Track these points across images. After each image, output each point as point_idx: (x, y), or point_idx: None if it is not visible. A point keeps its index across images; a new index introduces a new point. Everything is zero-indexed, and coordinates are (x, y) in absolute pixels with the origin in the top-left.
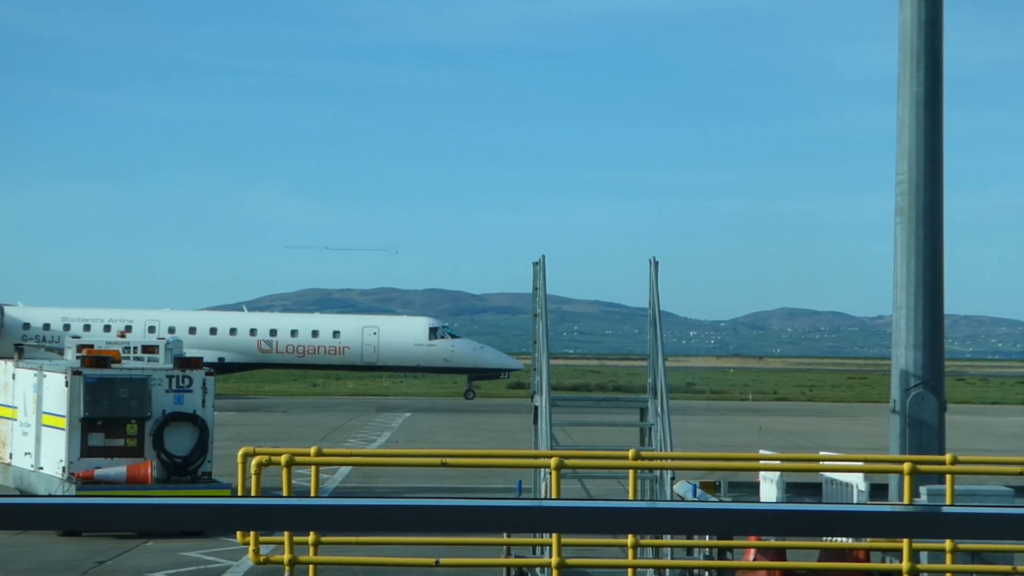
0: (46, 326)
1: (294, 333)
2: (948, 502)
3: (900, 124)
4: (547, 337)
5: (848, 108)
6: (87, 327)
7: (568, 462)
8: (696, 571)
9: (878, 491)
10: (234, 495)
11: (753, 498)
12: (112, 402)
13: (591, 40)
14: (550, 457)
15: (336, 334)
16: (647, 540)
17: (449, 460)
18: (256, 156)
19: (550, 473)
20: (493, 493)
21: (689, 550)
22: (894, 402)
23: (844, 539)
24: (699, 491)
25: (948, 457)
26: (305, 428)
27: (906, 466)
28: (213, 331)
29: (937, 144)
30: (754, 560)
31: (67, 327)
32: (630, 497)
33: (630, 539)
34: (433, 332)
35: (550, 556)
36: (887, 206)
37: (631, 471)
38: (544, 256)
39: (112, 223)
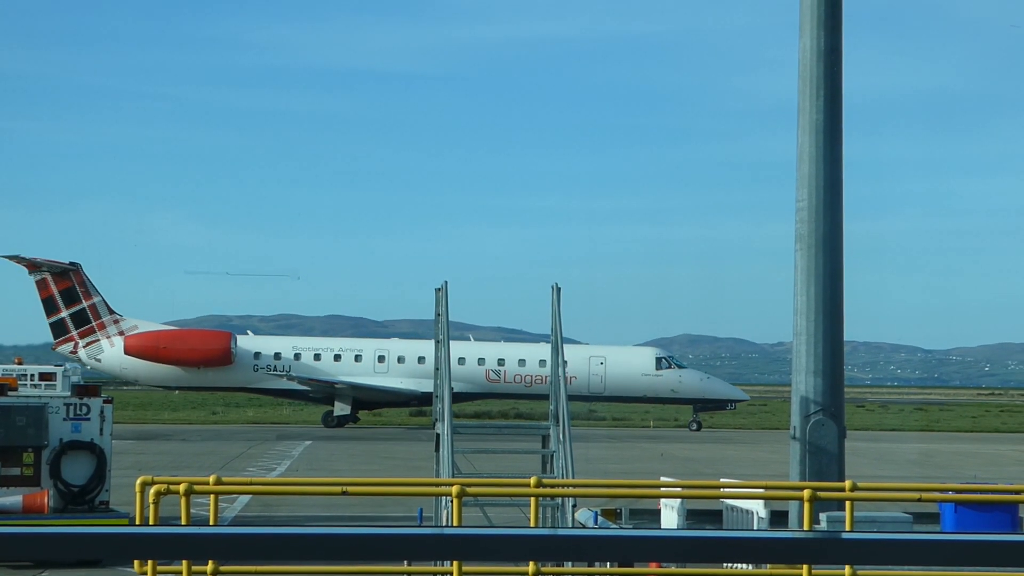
0: (276, 355)
1: (522, 363)
2: (847, 528)
3: (800, 152)
4: (449, 364)
5: (749, 135)
6: (317, 356)
7: (470, 490)
8: None
9: (778, 518)
10: (132, 524)
11: (654, 525)
12: (8, 430)
13: (494, 66)
14: (451, 485)
15: (564, 364)
16: (548, 568)
17: (349, 488)
18: (157, 182)
19: (451, 501)
20: (394, 522)
21: None
22: (794, 429)
23: (744, 566)
24: (600, 518)
25: (847, 484)
26: (204, 456)
27: (806, 493)
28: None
29: (836, 171)
30: None
31: (297, 356)
32: (531, 525)
33: (531, 567)
34: (660, 362)
35: None
36: (788, 233)
37: (532, 499)
38: (446, 282)
39: (12, 248)
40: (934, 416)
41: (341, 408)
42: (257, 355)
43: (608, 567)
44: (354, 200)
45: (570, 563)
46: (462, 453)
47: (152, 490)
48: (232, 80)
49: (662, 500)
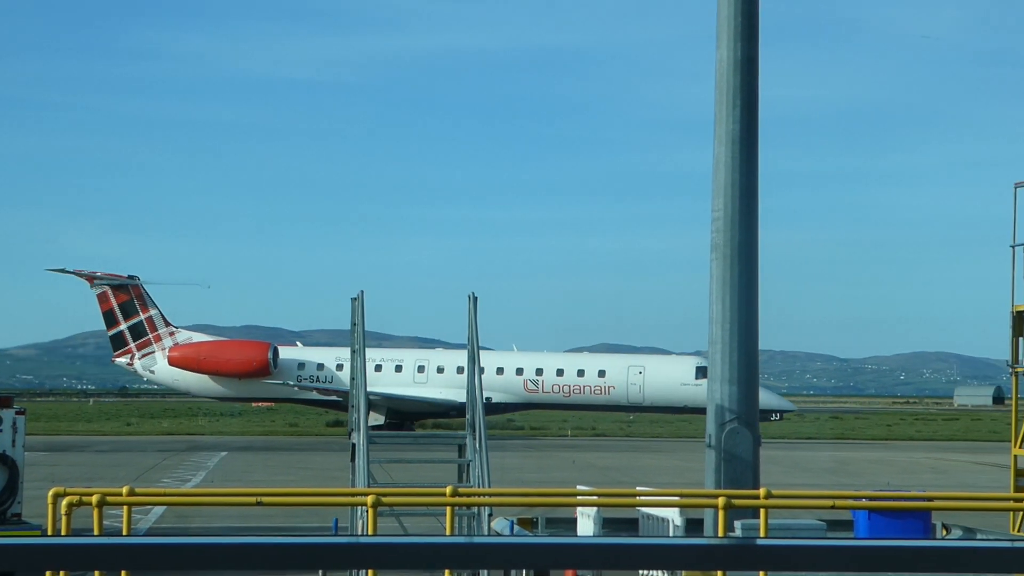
0: (319, 366)
1: (560, 372)
2: (762, 536)
3: (716, 161)
4: (364, 374)
5: (666, 146)
6: (376, 367)
7: (385, 499)
8: None
9: (694, 525)
10: (44, 536)
11: (570, 534)
12: None
13: (411, 76)
14: (367, 495)
15: (602, 373)
16: None
17: (264, 499)
18: (69, 192)
19: (367, 511)
20: (309, 532)
21: None
22: (709, 437)
23: (660, 573)
24: (516, 527)
25: (762, 491)
26: (118, 468)
27: (720, 500)
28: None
29: (752, 181)
30: None
31: (340, 367)
32: (447, 534)
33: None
34: (701, 371)
35: None
36: (704, 242)
37: (448, 508)
38: (363, 292)
39: None
40: (849, 424)
41: (375, 419)
42: (301, 365)
43: (524, 575)
44: (268, 209)
45: (486, 572)
46: (378, 463)
47: (64, 501)
48: (145, 90)
49: (578, 509)
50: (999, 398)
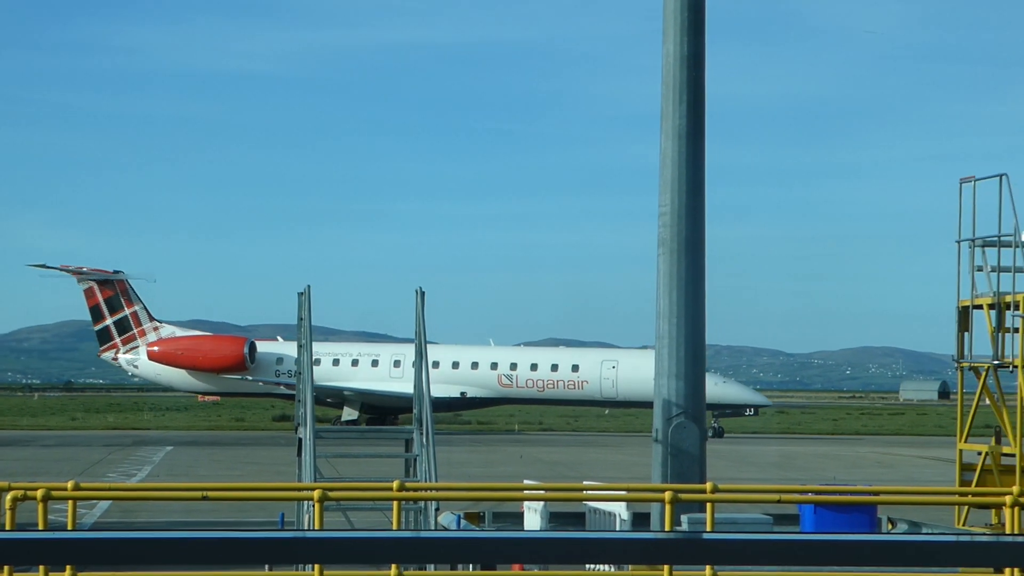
0: (297, 360)
1: (534, 367)
2: (708, 530)
3: (663, 157)
4: (311, 368)
5: (615, 141)
6: (336, 361)
7: (332, 494)
8: None
9: (640, 519)
10: None
11: (517, 528)
12: None
13: (360, 70)
14: (313, 489)
15: (575, 368)
16: (410, 572)
17: (210, 493)
18: (17, 185)
19: (314, 505)
20: (256, 527)
21: None
22: (656, 431)
23: (606, 567)
24: (463, 521)
25: (708, 486)
26: (64, 462)
27: (667, 495)
28: (455, 365)
29: (699, 176)
30: None
31: (317, 362)
32: (394, 528)
33: (393, 570)
34: None
35: None
36: (651, 237)
37: (395, 502)
38: (309, 286)
39: None
40: (795, 419)
41: (349, 414)
42: (279, 360)
43: (471, 569)
44: (213, 203)
45: (432, 566)
46: (325, 458)
47: (8, 496)
48: (92, 83)
49: (525, 503)
50: (944, 393)
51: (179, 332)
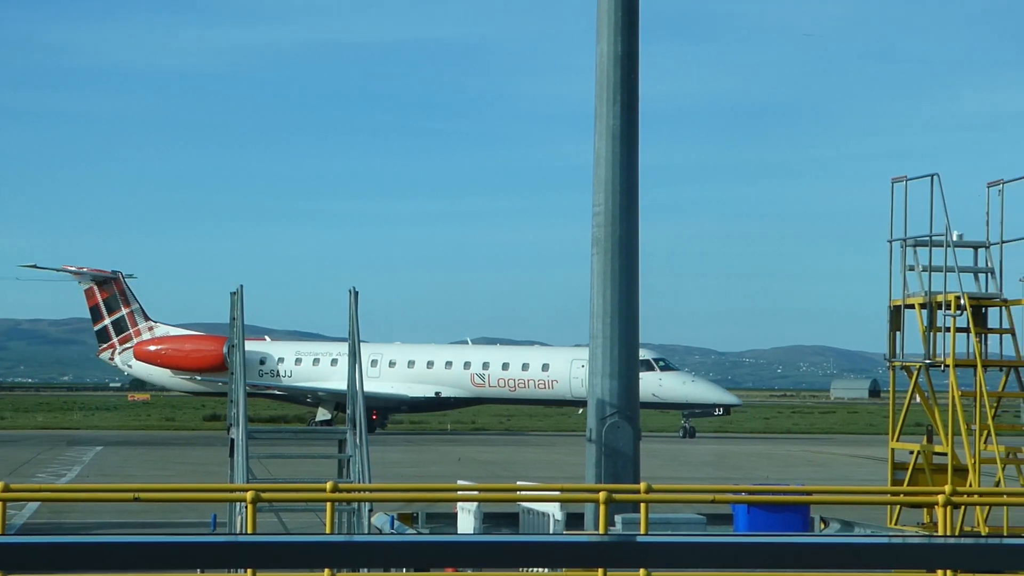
0: (280, 360)
1: (505, 366)
2: (642, 531)
3: (597, 156)
4: (244, 368)
5: (549, 140)
6: (316, 361)
7: (264, 495)
8: None
9: (574, 520)
10: None
11: (451, 529)
12: None
13: (289, 68)
14: (246, 491)
15: (545, 367)
16: (343, 574)
17: (141, 494)
18: None
19: (246, 507)
20: (187, 528)
21: None
22: (590, 431)
23: (541, 570)
24: (397, 523)
25: (643, 486)
26: None
27: (601, 495)
28: (430, 365)
29: (633, 176)
30: None
31: (298, 361)
32: (327, 530)
33: (326, 573)
34: (643, 364)
35: None
36: (585, 237)
37: (328, 504)
38: (242, 286)
39: None
40: (727, 417)
41: (323, 414)
42: (263, 360)
43: (404, 572)
44: (143, 202)
45: (366, 569)
46: (257, 458)
47: None
48: (24, 81)
49: (459, 504)
50: (875, 391)
51: (173, 332)
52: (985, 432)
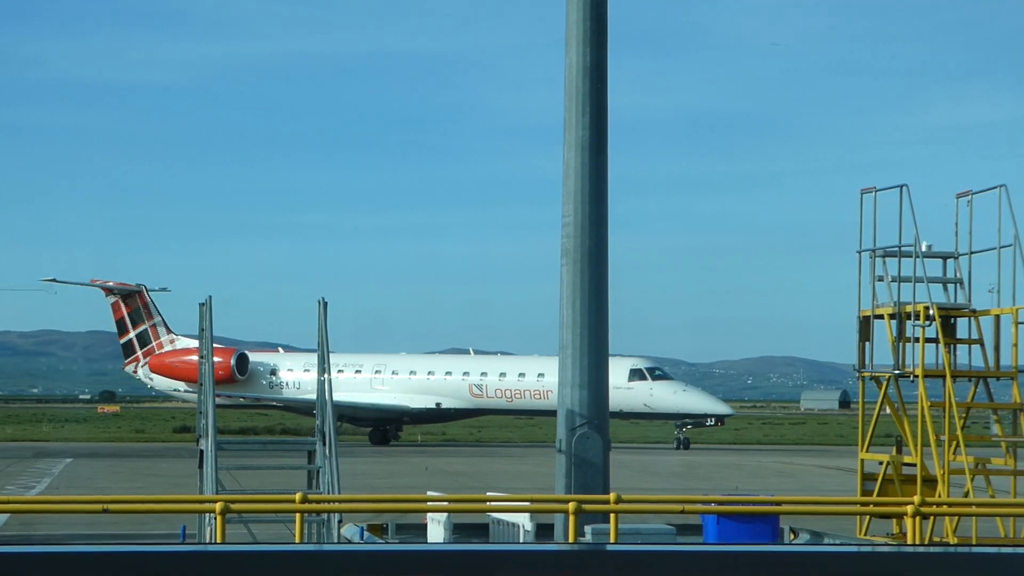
0: (290, 370)
1: (502, 375)
2: (612, 541)
3: (566, 168)
4: (212, 380)
5: (517, 152)
6: (339, 371)
7: (234, 506)
8: None
9: (544, 530)
10: None
11: (421, 540)
12: None
13: (259, 80)
14: (215, 501)
15: (541, 376)
16: None
17: (111, 506)
18: None
19: (215, 518)
20: (157, 539)
21: None
22: (560, 442)
23: None
24: (367, 534)
25: (612, 496)
26: None
27: (571, 506)
28: (430, 374)
29: (602, 187)
30: None
31: (307, 371)
32: (296, 541)
33: None
34: (635, 374)
35: None
36: (554, 248)
37: (298, 515)
38: (211, 297)
39: None
40: (697, 428)
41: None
42: (273, 371)
43: None
44: (113, 214)
45: None
46: (226, 470)
47: None
48: None
49: (429, 514)
50: (845, 402)
51: (192, 344)
52: (954, 443)
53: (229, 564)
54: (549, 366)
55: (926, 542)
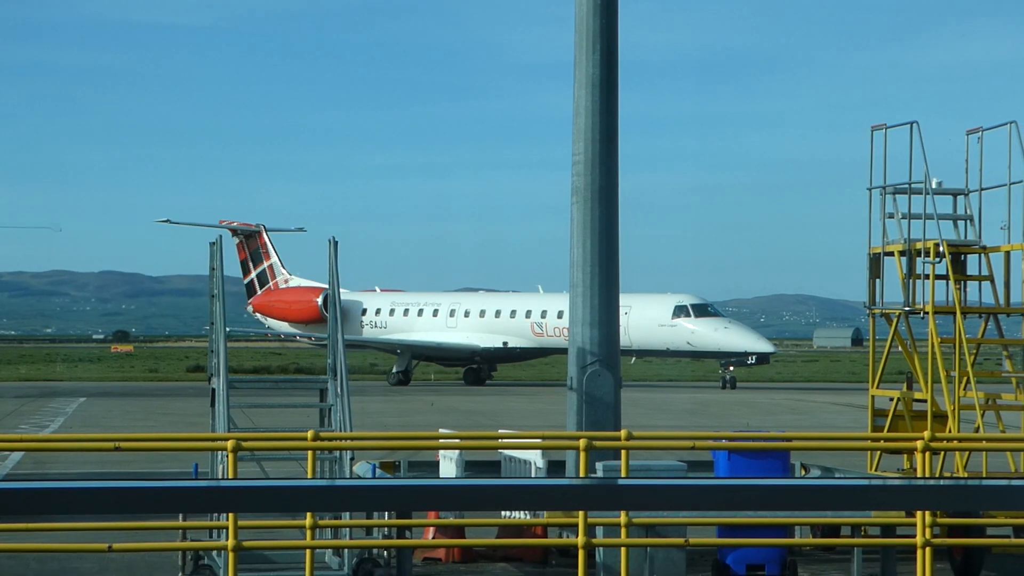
0: (377, 311)
1: (560, 315)
2: (623, 476)
3: (576, 105)
4: (224, 319)
5: (530, 91)
6: (419, 311)
7: (245, 444)
8: (376, 551)
9: (556, 468)
10: None
11: (433, 476)
12: None
13: (268, 19)
14: (227, 439)
15: None
16: (326, 521)
17: (123, 444)
18: None
19: (227, 456)
20: (170, 477)
21: (368, 529)
22: (571, 379)
23: (521, 513)
24: (379, 471)
25: (623, 433)
26: None
27: (582, 442)
28: (497, 314)
29: (612, 125)
30: (433, 538)
31: (392, 312)
32: (308, 478)
33: (308, 519)
34: (680, 311)
35: (227, 539)
36: (565, 186)
37: (310, 452)
38: (221, 236)
39: None
40: (710, 366)
41: (399, 364)
42: (364, 311)
43: (387, 517)
44: (121, 153)
45: (348, 515)
46: (239, 408)
47: None
48: None
49: (440, 452)
50: (858, 340)
51: (305, 284)
52: (964, 379)
53: (240, 497)
54: (636, 303)
55: (936, 476)
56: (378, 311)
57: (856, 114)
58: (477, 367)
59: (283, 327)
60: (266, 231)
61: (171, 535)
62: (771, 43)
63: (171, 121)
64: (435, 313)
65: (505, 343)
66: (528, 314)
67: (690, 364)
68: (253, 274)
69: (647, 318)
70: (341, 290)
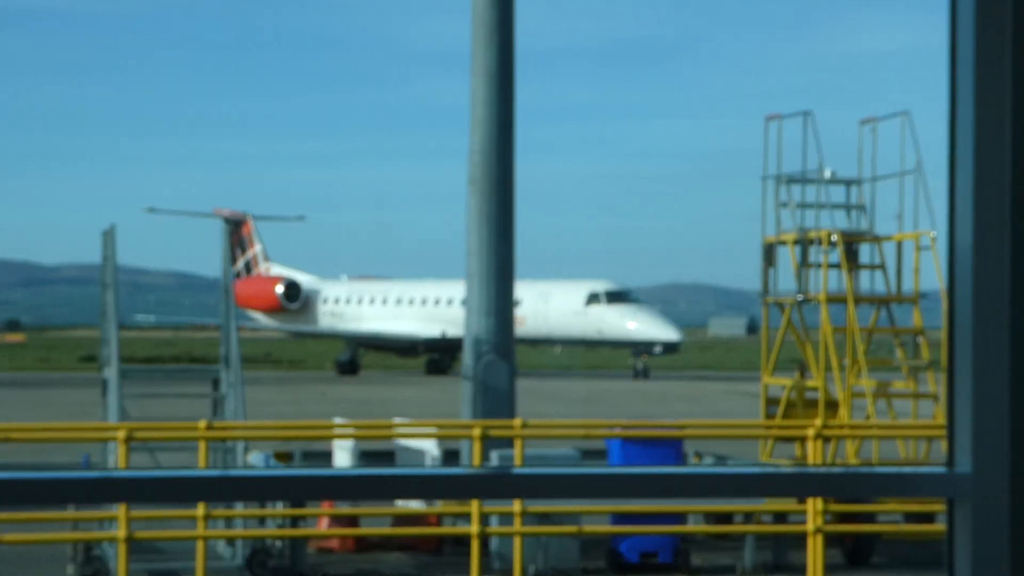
0: (336, 300)
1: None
2: (517, 465)
3: (473, 96)
4: (116, 308)
5: (425, 79)
6: (371, 300)
7: (137, 434)
8: (269, 541)
9: (451, 457)
10: None
11: (327, 466)
12: None
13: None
14: (119, 429)
15: (518, 303)
16: (218, 511)
17: (12, 434)
18: None
19: (119, 446)
20: (60, 468)
21: (262, 520)
22: (466, 368)
23: (416, 504)
24: (272, 461)
25: (518, 422)
26: None
27: (476, 431)
28: (437, 303)
29: (508, 115)
30: (328, 528)
31: (348, 302)
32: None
33: (201, 509)
34: (592, 298)
35: (118, 530)
36: (462, 176)
37: (202, 442)
38: (114, 225)
39: None
40: (603, 355)
41: (344, 354)
42: (325, 300)
43: (281, 507)
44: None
45: (242, 505)
46: (131, 398)
47: None
48: None
49: (335, 442)
50: (752, 328)
51: (286, 272)
52: (856, 367)
53: (131, 487)
54: (524, 291)
55: (827, 464)
56: (337, 300)
57: (754, 104)
58: (439, 357)
59: (260, 317)
60: (252, 219)
61: (61, 526)
62: (670, 33)
63: (52, 107)
64: (384, 302)
65: (444, 333)
66: (463, 303)
67: (612, 353)
68: (240, 262)
69: (563, 306)
70: (306, 277)
